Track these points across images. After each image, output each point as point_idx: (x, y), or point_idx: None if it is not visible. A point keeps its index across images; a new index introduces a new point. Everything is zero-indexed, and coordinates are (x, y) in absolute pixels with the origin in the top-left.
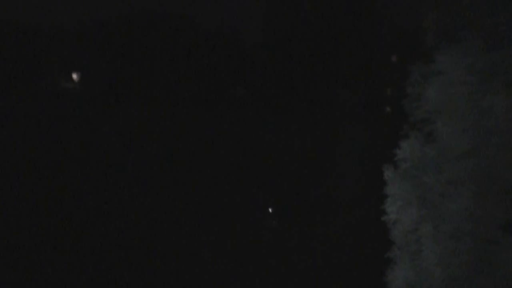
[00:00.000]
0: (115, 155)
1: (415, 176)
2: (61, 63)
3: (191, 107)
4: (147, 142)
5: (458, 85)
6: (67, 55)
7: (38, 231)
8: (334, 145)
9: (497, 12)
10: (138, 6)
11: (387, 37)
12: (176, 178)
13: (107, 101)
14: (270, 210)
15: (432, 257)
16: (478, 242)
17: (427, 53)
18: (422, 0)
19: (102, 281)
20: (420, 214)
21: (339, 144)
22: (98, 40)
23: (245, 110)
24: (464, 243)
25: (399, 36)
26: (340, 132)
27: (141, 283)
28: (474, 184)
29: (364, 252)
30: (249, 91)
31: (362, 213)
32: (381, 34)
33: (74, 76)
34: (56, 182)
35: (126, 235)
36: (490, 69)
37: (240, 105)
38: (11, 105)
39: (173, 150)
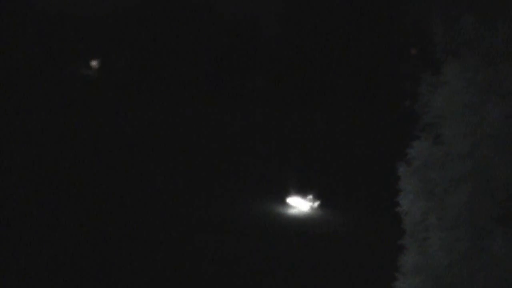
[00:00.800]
0: (134, 143)
1: (424, 173)
2: (80, 51)
3: (209, 97)
4: (165, 131)
5: (461, 95)
6: (87, 43)
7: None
8: (353, 138)
9: (493, 34)
10: None
11: (404, 35)
12: (194, 167)
13: (126, 89)
14: (310, 200)
15: (437, 243)
16: (475, 231)
17: (435, 66)
18: (433, 18)
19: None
20: (427, 206)
21: (357, 137)
22: (117, 28)
23: (264, 101)
24: (464, 231)
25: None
26: (359, 125)
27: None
28: (473, 181)
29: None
30: (269, 83)
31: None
32: (398, 31)
33: (94, 63)
34: (72, 171)
35: (135, 222)
36: (487, 81)
37: (260, 96)
38: (30, 93)
39: (189, 141)
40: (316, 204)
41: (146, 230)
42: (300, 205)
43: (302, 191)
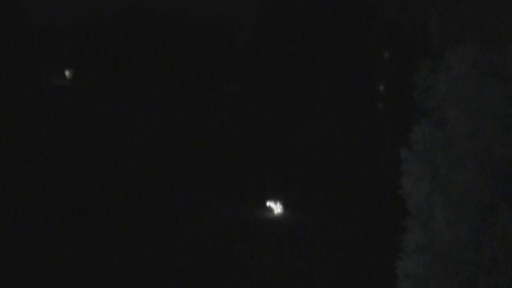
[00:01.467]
0: (108, 152)
1: (427, 155)
2: (54, 60)
3: (186, 104)
4: (140, 139)
5: (463, 79)
6: (60, 53)
7: (26, 229)
8: (336, 138)
9: (494, 18)
10: (131, 2)
11: (382, 35)
12: (171, 175)
13: (100, 98)
14: (273, 203)
15: (442, 222)
16: (480, 208)
17: (435, 52)
18: (426, 5)
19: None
20: (431, 187)
21: (341, 136)
22: (91, 37)
23: (241, 106)
24: (469, 209)
25: (399, 36)
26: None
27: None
28: (477, 160)
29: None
30: (245, 87)
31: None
32: (374, 32)
33: (67, 73)
34: (48, 180)
35: (119, 234)
36: (488, 65)
37: (236, 100)
38: (4, 102)
39: (168, 146)
40: (280, 207)
41: (126, 236)
42: (276, 208)
43: (279, 194)
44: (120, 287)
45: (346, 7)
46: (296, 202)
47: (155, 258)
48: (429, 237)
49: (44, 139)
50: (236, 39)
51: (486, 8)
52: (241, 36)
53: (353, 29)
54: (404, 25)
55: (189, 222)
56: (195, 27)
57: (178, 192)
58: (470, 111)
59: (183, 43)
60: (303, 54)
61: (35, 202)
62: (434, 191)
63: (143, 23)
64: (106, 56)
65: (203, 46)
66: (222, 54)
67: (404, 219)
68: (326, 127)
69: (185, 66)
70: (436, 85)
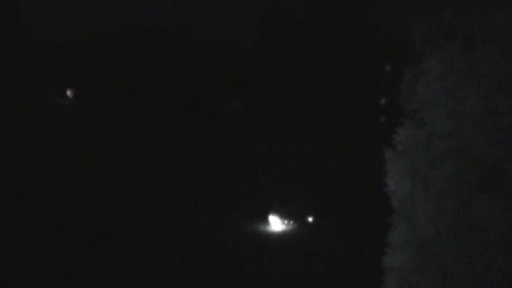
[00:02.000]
0: (111, 170)
1: (409, 155)
2: (54, 79)
3: (188, 121)
4: (142, 157)
5: (441, 81)
6: (60, 71)
7: (24, 243)
8: (335, 152)
9: (470, 23)
10: (132, 20)
11: (380, 45)
12: (172, 193)
13: (102, 117)
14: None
15: (423, 217)
16: (459, 202)
17: (417, 57)
18: (411, 15)
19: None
20: (413, 183)
21: (338, 150)
22: (92, 55)
23: (242, 123)
24: (448, 203)
25: (392, 44)
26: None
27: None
28: (455, 157)
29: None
30: (246, 105)
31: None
32: (374, 43)
33: (68, 92)
34: (51, 200)
35: (119, 248)
36: (465, 67)
37: (237, 118)
38: (3, 122)
39: (170, 164)
40: (291, 221)
41: (125, 250)
42: (279, 222)
43: (283, 209)
44: None
45: (348, 23)
46: (294, 210)
47: (153, 272)
48: (412, 232)
49: (45, 158)
50: (238, 56)
51: (462, 14)
52: (244, 51)
53: (355, 43)
54: (395, 32)
55: (190, 236)
56: (197, 44)
57: (179, 208)
58: (448, 111)
59: (187, 59)
60: (305, 70)
61: (34, 223)
62: (416, 188)
63: (145, 40)
64: (108, 75)
65: (206, 62)
66: (225, 69)
67: (389, 216)
68: (327, 142)
69: (189, 82)
70: (417, 88)
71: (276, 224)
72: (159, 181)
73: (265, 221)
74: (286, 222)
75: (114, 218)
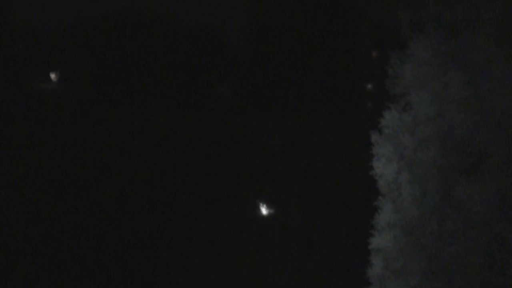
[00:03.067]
0: (96, 154)
1: (395, 138)
2: (39, 63)
3: (176, 106)
4: (129, 142)
5: (426, 65)
6: (45, 55)
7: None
8: (324, 137)
9: (455, 10)
10: (119, 4)
11: (367, 30)
12: (160, 177)
13: (86, 101)
14: (262, 207)
15: (408, 198)
16: (443, 183)
17: (403, 42)
18: (397, 1)
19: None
20: (399, 166)
21: (327, 136)
22: (77, 39)
23: (231, 109)
24: (432, 184)
25: (379, 29)
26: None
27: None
28: (439, 140)
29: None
30: (235, 90)
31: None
32: (362, 30)
33: (53, 76)
34: (35, 186)
35: (112, 237)
36: (449, 52)
37: (226, 104)
38: None
39: (157, 148)
40: (265, 208)
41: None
42: (267, 205)
43: (271, 192)
44: (113, 274)
45: (336, 8)
46: (281, 197)
47: (145, 256)
48: (398, 214)
49: (29, 143)
50: (226, 41)
51: (447, 0)
52: (231, 38)
53: (343, 30)
54: (379, 18)
55: (180, 223)
56: (184, 29)
57: (167, 193)
58: (433, 96)
59: (173, 45)
60: (292, 55)
61: (19, 207)
62: (402, 171)
63: (131, 25)
64: (93, 59)
65: (193, 48)
66: (212, 56)
67: (376, 199)
68: (314, 127)
69: (175, 68)
70: (403, 73)
71: (264, 207)
72: (144, 164)
73: (253, 204)
74: (274, 205)
75: (98, 198)
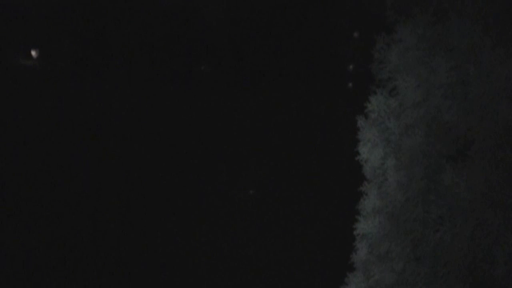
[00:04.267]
0: (76, 134)
1: (381, 123)
2: (18, 39)
3: (156, 86)
4: (110, 123)
5: (413, 50)
6: (25, 31)
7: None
8: (307, 117)
9: None
10: None
11: (352, 13)
12: (141, 159)
13: (67, 79)
14: (244, 189)
15: (394, 184)
16: (428, 169)
17: (390, 26)
18: None
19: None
20: (385, 152)
21: (312, 115)
22: (58, 15)
23: (212, 87)
24: (418, 170)
25: (365, 13)
26: (311, 105)
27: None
28: (425, 126)
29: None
30: (216, 68)
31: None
32: (347, 11)
33: (33, 53)
34: (13, 164)
35: (103, 218)
36: (436, 37)
37: (207, 82)
38: None
39: (138, 129)
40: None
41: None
42: (251, 187)
43: (254, 174)
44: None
45: None
46: (264, 180)
47: (136, 243)
48: (383, 200)
49: (9, 121)
50: (207, 19)
51: None
52: (211, 16)
53: (327, 11)
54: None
55: (168, 206)
56: (163, 6)
57: (152, 176)
58: (419, 80)
59: (152, 23)
60: (276, 37)
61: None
62: (387, 156)
63: (112, 2)
64: (73, 36)
65: (172, 26)
66: (192, 34)
67: (361, 184)
68: (298, 109)
69: (155, 47)
70: (389, 57)
71: (247, 189)
72: (125, 142)
73: (238, 185)
74: (256, 187)
75: (85, 182)
